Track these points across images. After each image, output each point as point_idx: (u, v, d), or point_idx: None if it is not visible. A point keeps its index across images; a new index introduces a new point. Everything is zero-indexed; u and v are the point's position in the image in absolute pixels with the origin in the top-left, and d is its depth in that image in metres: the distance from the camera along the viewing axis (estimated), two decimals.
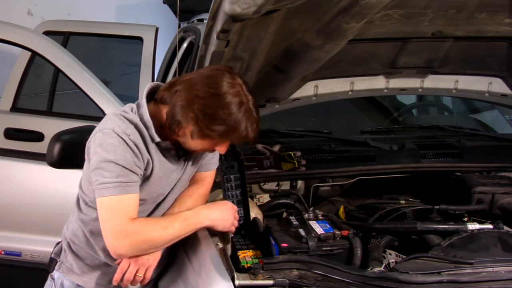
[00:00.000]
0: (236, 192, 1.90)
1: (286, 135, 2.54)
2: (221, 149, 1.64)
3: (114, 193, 1.54)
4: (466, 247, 1.73)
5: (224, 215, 1.72)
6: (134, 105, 1.67)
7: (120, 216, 1.54)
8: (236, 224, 1.76)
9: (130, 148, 1.56)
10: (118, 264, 1.63)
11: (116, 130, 1.56)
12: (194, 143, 1.60)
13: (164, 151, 1.66)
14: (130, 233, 1.55)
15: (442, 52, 2.28)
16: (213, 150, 1.67)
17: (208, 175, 1.86)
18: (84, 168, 1.69)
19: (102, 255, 1.74)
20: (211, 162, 1.86)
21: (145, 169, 1.63)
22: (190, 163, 1.76)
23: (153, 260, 1.64)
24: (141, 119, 1.62)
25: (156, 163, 1.65)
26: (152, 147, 1.63)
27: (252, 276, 1.48)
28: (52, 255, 1.87)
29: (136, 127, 1.60)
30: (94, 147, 1.57)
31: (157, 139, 1.62)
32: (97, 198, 1.56)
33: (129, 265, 1.61)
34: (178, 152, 1.71)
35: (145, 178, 1.65)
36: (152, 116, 1.62)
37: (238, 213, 1.86)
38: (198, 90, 1.54)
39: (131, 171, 1.55)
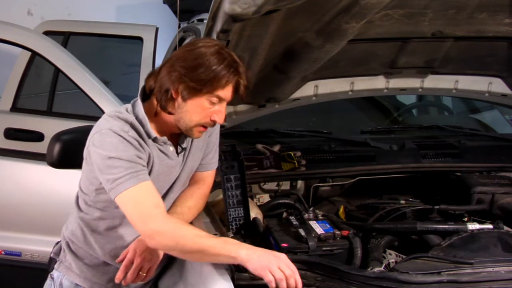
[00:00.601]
0: (236, 192, 1.90)
1: (286, 135, 2.53)
2: (218, 115, 1.59)
3: (129, 185, 1.52)
4: (466, 247, 1.73)
5: (265, 260, 1.43)
6: (129, 105, 1.67)
7: (145, 203, 1.53)
8: (281, 276, 1.40)
9: (131, 143, 1.56)
10: (119, 262, 1.63)
11: (114, 129, 1.56)
12: (188, 112, 1.57)
13: (162, 148, 1.67)
14: (159, 222, 1.51)
15: (442, 52, 2.28)
16: (212, 123, 1.61)
17: (209, 175, 1.87)
18: (83, 168, 1.69)
19: (101, 254, 1.74)
20: (212, 161, 1.86)
21: (147, 164, 1.62)
22: (188, 160, 1.76)
23: (156, 258, 1.65)
24: (137, 118, 1.62)
25: (156, 159, 1.65)
26: (150, 144, 1.63)
27: (252, 276, 1.48)
28: (52, 255, 1.88)
29: (132, 125, 1.60)
30: (94, 148, 1.57)
31: (154, 134, 1.63)
32: (115, 197, 1.53)
33: (132, 263, 1.61)
34: (176, 148, 1.72)
35: None
36: (147, 111, 1.63)
37: (238, 214, 1.86)
38: (178, 54, 1.57)
39: (136, 163, 1.55)
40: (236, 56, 1.57)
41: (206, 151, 1.83)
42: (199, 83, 1.52)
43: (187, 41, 3.48)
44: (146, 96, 1.68)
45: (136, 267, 1.61)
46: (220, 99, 1.57)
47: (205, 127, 1.63)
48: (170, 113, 1.60)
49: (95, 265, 1.78)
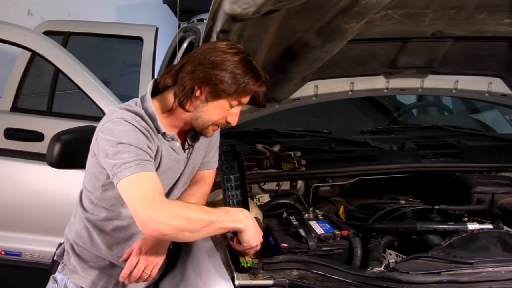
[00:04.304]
0: (236, 192, 1.89)
1: (286, 135, 2.53)
2: (233, 117, 1.65)
3: (136, 170, 1.47)
4: (466, 247, 1.73)
5: (256, 230, 1.62)
6: (138, 100, 1.68)
7: (150, 189, 1.46)
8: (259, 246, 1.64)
9: (142, 133, 1.56)
10: (124, 261, 1.64)
11: (126, 118, 1.56)
12: (208, 112, 1.61)
13: (170, 143, 1.68)
14: (166, 206, 1.45)
15: (442, 52, 2.28)
16: (225, 124, 1.66)
17: (210, 174, 1.88)
18: (88, 164, 1.68)
19: (108, 254, 1.75)
20: (212, 160, 1.88)
21: (155, 157, 1.62)
22: (192, 157, 1.78)
23: (160, 257, 1.65)
24: (146, 112, 1.63)
25: (164, 153, 1.66)
26: (159, 137, 1.64)
27: (252, 276, 1.48)
28: (55, 257, 1.86)
29: (142, 118, 1.61)
30: (104, 136, 1.54)
31: (163, 130, 1.63)
32: (119, 181, 1.47)
33: (137, 262, 1.61)
34: (183, 144, 1.73)
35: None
36: (157, 107, 1.64)
37: None
38: (204, 55, 1.58)
39: (146, 152, 1.54)
40: (258, 65, 1.62)
41: (208, 149, 1.85)
42: (226, 89, 1.56)
43: (187, 40, 3.49)
44: (155, 92, 1.68)
45: (141, 266, 1.62)
46: (240, 103, 1.63)
47: (217, 126, 1.68)
48: (187, 111, 1.61)
49: (101, 267, 1.78)
